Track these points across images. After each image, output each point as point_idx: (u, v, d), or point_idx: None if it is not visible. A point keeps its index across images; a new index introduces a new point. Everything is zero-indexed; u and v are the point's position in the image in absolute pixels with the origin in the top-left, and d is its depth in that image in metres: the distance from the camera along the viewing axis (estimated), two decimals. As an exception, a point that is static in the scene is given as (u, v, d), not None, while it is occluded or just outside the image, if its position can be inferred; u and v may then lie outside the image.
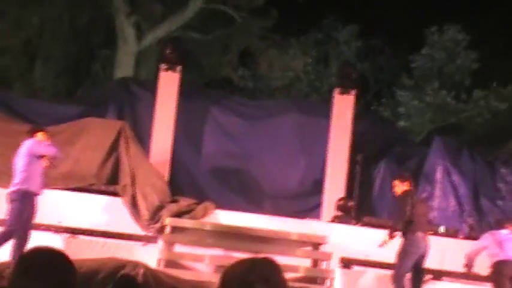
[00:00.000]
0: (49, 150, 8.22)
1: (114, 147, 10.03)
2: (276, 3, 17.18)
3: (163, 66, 11.08)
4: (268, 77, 19.04)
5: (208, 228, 9.53)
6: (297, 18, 17.97)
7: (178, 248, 9.37)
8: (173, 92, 10.99)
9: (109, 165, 9.97)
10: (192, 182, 11.33)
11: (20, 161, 8.09)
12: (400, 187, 8.65)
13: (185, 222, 9.53)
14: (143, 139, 10.86)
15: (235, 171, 11.66)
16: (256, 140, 11.79)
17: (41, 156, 8.17)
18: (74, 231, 9.43)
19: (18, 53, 16.43)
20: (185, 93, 11.25)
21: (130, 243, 9.50)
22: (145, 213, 9.72)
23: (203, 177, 11.52)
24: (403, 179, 8.72)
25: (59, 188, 9.68)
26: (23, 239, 7.85)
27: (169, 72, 11.03)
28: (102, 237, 9.46)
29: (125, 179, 9.91)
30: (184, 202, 9.95)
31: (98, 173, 9.88)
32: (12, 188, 8.03)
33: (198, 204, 9.96)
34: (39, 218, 9.16)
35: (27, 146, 8.13)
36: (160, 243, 9.42)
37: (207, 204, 9.99)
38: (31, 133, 8.36)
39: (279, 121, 11.98)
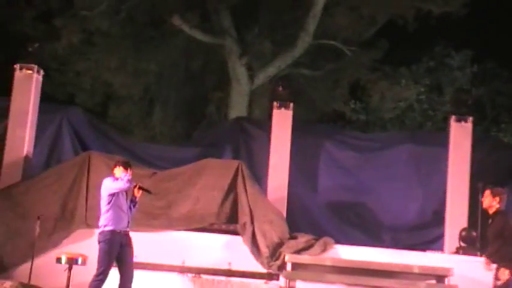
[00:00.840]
0: (117, 185, 8.06)
1: (232, 186, 10.18)
2: (385, 34, 17.11)
3: (275, 104, 11.22)
4: (380, 108, 18.88)
5: (328, 263, 9.44)
6: (407, 48, 17.78)
7: (300, 285, 9.33)
8: (287, 129, 11.08)
9: (228, 204, 10.11)
10: (309, 218, 11.30)
11: (101, 201, 8.18)
12: (489, 200, 7.97)
13: (305, 258, 9.52)
14: (259, 177, 10.98)
15: (352, 205, 11.53)
16: (371, 173, 11.64)
17: (123, 192, 8.09)
18: (198, 271, 9.64)
19: (138, 100, 17.21)
20: (298, 129, 11.32)
21: (253, 281, 9.59)
22: (265, 250, 9.80)
23: (320, 212, 11.47)
24: (495, 194, 8.03)
25: (180, 229, 9.97)
26: (124, 277, 7.93)
27: (282, 110, 11.15)
28: (225, 276, 9.61)
29: (243, 217, 10.04)
30: (302, 238, 9.96)
31: (218, 213, 10.05)
32: (98, 230, 8.15)
33: (316, 240, 9.95)
34: (163, 259, 9.58)
35: (102, 186, 8.20)
36: (281, 280, 9.43)
37: (326, 239, 9.94)
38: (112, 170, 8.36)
39: (393, 153, 11.81)
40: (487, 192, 8.09)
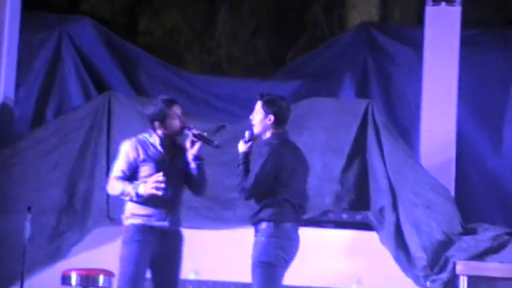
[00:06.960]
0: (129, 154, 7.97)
1: (358, 144, 10.54)
2: None
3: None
4: None
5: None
6: None
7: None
8: (452, 39, 11.11)
9: (352, 177, 10.46)
10: (496, 196, 11.42)
11: None
12: (259, 118, 7.51)
13: (493, 267, 9.68)
14: (405, 127, 11.42)
15: None
16: None
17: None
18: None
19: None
20: (471, 39, 11.47)
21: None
22: (420, 254, 10.10)
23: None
24: (270, 106, 7.48)
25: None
26: None
27: (442, 5, 11.16)
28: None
29: (380, 198, 10.33)
30: (486, 233, 10.16)
31: (336, 192, 10.36)
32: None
33: (511, 234, 10.16)
34: (236, 274, 9.81)
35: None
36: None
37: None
38: None
39: None
40: (258, 107, 7.58)
